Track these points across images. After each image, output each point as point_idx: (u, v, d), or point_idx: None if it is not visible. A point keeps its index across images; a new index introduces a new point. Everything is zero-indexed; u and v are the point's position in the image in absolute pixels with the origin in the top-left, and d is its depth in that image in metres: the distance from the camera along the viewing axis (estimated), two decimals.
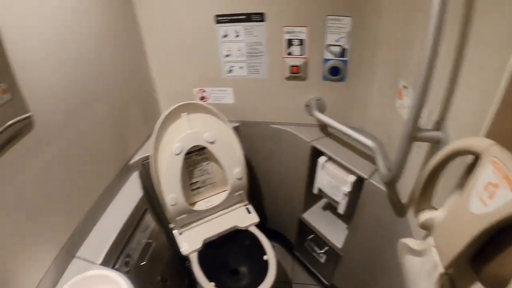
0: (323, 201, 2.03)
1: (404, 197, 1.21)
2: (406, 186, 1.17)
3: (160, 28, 1.60)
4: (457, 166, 0.77)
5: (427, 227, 0.81)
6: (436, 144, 0.94)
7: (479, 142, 0.61)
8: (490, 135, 0.65)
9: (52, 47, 1.09)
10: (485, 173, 0.58)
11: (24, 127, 0.99)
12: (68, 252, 1.20)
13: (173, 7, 1.54)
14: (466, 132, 0.79)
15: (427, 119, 1.01)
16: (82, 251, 1.24)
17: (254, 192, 2.14)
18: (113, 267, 1.26)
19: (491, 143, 0.59)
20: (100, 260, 1.21)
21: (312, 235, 1.95)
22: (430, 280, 0.71)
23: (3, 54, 0.90)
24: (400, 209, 1.25)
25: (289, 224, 2.14)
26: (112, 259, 1.27)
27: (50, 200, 1.10)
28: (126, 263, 1.34)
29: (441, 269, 0.67)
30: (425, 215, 0.82)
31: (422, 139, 0.95)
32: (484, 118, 0.67)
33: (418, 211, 0.85)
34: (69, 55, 1.17)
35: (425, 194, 0.82)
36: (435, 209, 0.82)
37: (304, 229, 2.00)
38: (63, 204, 1.17)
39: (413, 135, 0.92)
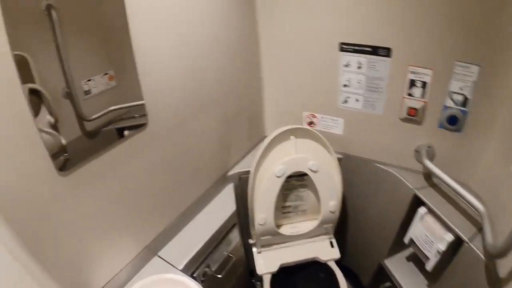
0: (408, 251, 1.90)
1: (503, 273, 1.11)
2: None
3: (280, 44, 1.59)
4: None
5: None
6: None
7: None
8: None
9: (174, 48, 1.13)
10: None
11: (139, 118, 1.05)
12: (151, 250, 1.23)
13: (298, 26, 1.53)
14: None
15: None
16: (164, 252, 1.28)
17: (341, 227, 2.06)
18: (191, 275, 1.29)
19: None
20: (181, 266, 1.24)
21: (389, 284, 1.83)
22: None
23: (128, 43, 0.97)
24: (495, 285, 1.15)
25: (367, 265, 2.05)
26: (192, 267, 1.30)
27: (147, 197, 1.15)
28: (204, 273, 1.36)
29: None
30: None
31: None
32: None
33: None
34: (190, 58, 1.21)
35: None
36: None
37: (382, 275, 1.88)
38: (159, 203, 1.21)
39: None
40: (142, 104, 1.06)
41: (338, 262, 1.73)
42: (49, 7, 0.79)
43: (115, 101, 1.00)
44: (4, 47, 0.71)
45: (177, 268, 1.22)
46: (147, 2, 1.02)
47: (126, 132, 1.04)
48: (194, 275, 1.30)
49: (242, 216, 1.68)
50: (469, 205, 1.33)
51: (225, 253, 1.49)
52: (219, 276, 1.44)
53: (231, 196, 1.56)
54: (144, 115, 1.07)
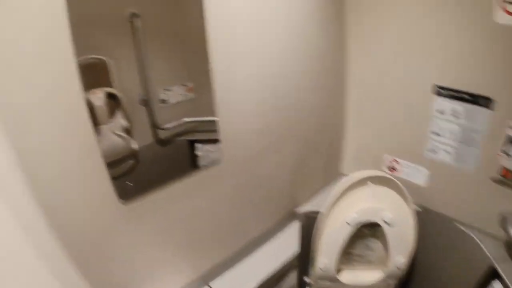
0: None
1: None
2: None
3: (369, 79, 1.51)
4: None
5: None
6: None
7: None
8: None
9: (259, 79, 1.13)
10: None
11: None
12: (204, 279, 1.23)
13: (391, 63, 1.44)
14: None
15: None
16: (216, 283, 1.26)
17: (404, 279, 1.92)
18: None
19: None
20: None
21: None
22: None
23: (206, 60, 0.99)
24: None
25: None
26: None
27: (209, 228, 1.15)
28: None
29: None
30: None
31: None
32: None
33: None
34: (273, 90, 1.19)
35: None
36: None
37: None
38: (220, 235, 1.21)
39: None
40: (217, 120, 1.08)
41: None
42: (133, 15, 0.82)
43: (191, 113, 1.02)
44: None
45: None
46: (231, 27, 1.02)
47: (197, 145, 1.05)
48: None
49: (303, 256, 1.58)
50: None
51: None
52: None
53: (296, 234, 1.47)
54: (216, 131, 1.08)
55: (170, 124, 0.97)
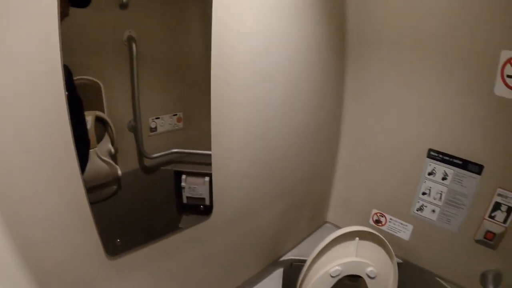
0: None
1: None
2: None
3: (361, 137, 1.54)
4: None
5: None
6: None
7: None
8: None
9: (255, 136, 1.13)
10: None
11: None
12: None
13: (386, 122, 1.47)
14: None
15: None
16: None
17: None
18: None
19: None
20: None
21: None
22: None
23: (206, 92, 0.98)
24: None
25: None
26: None
27: (194, 282, 1.12)
28: None
29: None
30: None
31: None
32: None
33: None
34: (271, 147, 1.20)
35: None
36: None
37: None
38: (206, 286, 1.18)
39: None
40: (209, 154, 1.06)
41: None
42: (130, 39, 0.81)
43: (179, 144, 1.01)
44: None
45: None
46: (234, 66, 1.01)
47: (183, 176, 1.05)
48: None
49: None
50: None
51: None
52: None
53: (279, 282, 1.47)
54: (203, 164, 1.07)
55: (157, 154, 0.97)
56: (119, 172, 0.89)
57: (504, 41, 1.20)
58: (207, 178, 1.07)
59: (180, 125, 0.98)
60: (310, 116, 1.33)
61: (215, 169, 1.04)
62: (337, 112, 1.51)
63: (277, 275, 1.49)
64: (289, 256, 1.53)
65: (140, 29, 0.81)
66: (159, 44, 0.88)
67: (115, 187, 0.90)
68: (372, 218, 1.66)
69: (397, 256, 1.60)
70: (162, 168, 1.00)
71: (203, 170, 1.07)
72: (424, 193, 1.48)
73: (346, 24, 1.43)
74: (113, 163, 0.87)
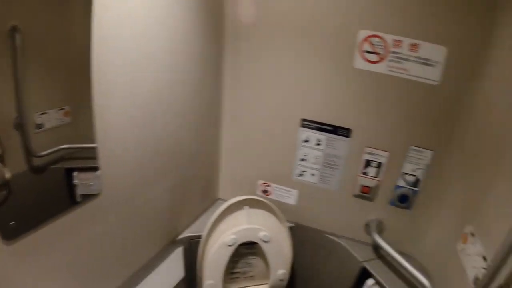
0: None
1: None
2: None
3: (241, 114, 1.64)
4: None
5: None
6: None
7: None
8: None
9: (138, 119, 1.13)
10: None
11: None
12: None
13: (263, 97, 1.58)
14: None
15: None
16: None
17: None
18: None
19: None
20: None
21: None
22: None
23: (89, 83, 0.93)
24: None
25: None
26: None
27: (94, 264, 1.11)
28: None
29: None
30: None
31: None
32: None
33: None
34: (154, 129, 1.21)
35: None
36: None
37: None
38: (104, 270, 1.17)
39: None
40: (95, 147, 1.01)
41: None
42: (14, 29, 0.74)
43: (68, 139, 0.95)
44: None
45: None
46: (115, 52, 1.00)
47: (75, 173, 0.99)
48: None
49: (189, 280, 1.66)
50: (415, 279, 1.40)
51: None
52: None
53: (181, 260, 1.54)
54: (94, 159, 1.03)
55: (46, 151, 0.90)
56: (7, 174, 0.82)
57: (362, 23, 1.37)
58: (99, 172, 1.05)
59: (68, 119, 0.92)
60: (190, 97, 1.39)
61: (102, 158, 1.03)
62: (217, 92, 1.59)
63: (178, 253, 1.54)
64: (186, 234, 1.59)
65: (24, 19, 0.75)
66: (45, 34, 0.83)
67: (4, 191, 0.83)
68: (260, 189, 1.78)
69: (288, 220, 1.74)
70: (53, 167, 0.94)
71: (94, 164, 1.04)
72: (302, 159, 1.63)
73: (223, 7, 1.51)
74: (0, 165, 0.81)
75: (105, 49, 0.95)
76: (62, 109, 0.91)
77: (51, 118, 0.89)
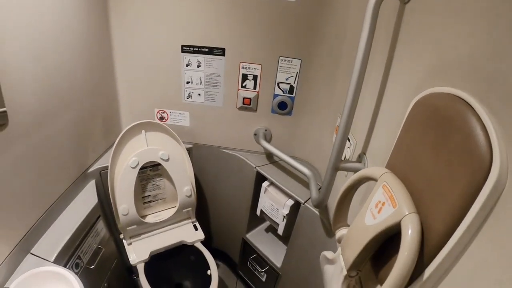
0: (266, 224, 2.15)
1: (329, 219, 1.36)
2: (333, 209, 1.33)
3: (131, 49, 1.70)
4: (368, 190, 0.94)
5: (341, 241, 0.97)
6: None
7: (376, 171, 0.78)
8: (388, 165, 0.82)
9: (32, 54, 1.16)
10: (377, 194, 0.74)
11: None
12: (23, 248, 1.23)
13: (147, 29, 1.65)
14: (378, 164, 0.96)
15: (353, 152, 1.19)
16: (37, 249, 1.28)
17: (202, 211, 2.25)
18: (64, 266, 1.30)
19: (384, 171, 0.75)
20: (52, 258, 1.25)
21: (255, 255, 2.06)
22: (338, 282, 0.87)
23: None
24: (329, 230, 1.40)
25: (234, 244, 2.25)
26: (64, 258, 1.32)
27: (10, 196, 1.14)
28: (77, 265, 1.40)
29: (344, 272, 0.82)
30: (341, 232, 0.98)
31: (345, 169, 1.11)
32: (388, 153, 0.84)
33: (335, 229, 1.00)
34: (48, 64, 1.25)
35: (339, 214, 0.97)
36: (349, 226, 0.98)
37: (247, 249, 2.11)
38: (23, 202, 1.20)
39: (337, 165, 1.09)
40: None
41: (207, 245, 1.89)
42: None
43: None
44: None
45: (49, 261, 1.23)
46: None
47: None
48: (67, 266, 1.33)
49: (107, 211, 1.76)
50: (302, 174, 1.57)
51: (95, 245, 1.55)
52: (92, 267, 1.49)
53: (93, 190, 1.63)
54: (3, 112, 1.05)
55: None
56: None
57: None
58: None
59: None
60: (80, 32, 1.43)
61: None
62: (104, 28, 1.63)
63: (91, 185, 1.64)
64: (95, 166, 1.68)
65: None
66: None
67: None
68: (157, 117, 1.90)
69: (187, 141, 1.90)
70: None
71: None
72: (188, 82, 1.77)
73: None
74: None
75: None
76: None
77: None
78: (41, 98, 1.24)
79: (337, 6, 1.45)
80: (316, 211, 1.51)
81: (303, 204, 1.57)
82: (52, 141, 1.35)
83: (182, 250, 1.88)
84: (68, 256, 1.36)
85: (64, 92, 1.38)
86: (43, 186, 1.32)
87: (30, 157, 1.22)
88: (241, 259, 2.27)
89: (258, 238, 2.07)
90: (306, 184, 1.69)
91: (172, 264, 1.92)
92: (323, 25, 1.52)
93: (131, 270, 1.72)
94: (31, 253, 1.27)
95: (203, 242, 1.89)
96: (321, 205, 1.29)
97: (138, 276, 1.69)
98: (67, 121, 1.43)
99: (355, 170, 1.10)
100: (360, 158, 1.12)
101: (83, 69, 1.50)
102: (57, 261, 1.27)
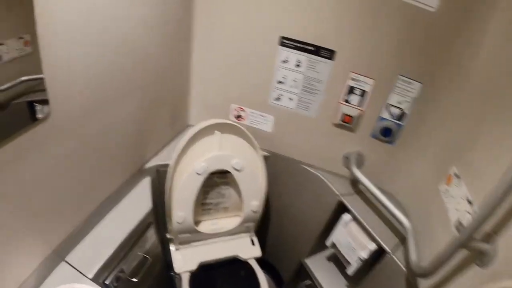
0: (329, 251, 1.94)
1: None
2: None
3: (214, 29, 1.50)
4: None
5: None
6: (479, 255, 0.89)
7: None
8: None
9: (91, 25, 0.97)
10: None
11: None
12: (59, 254, 1.11)
13: (237, 13, 1.44)
14: None
15: (476, 224, 0.93)
16: (73, 257, 1.14)
17: (263, 222, 2.05)
18: (103, 282, 1.18)
19: None
20: (91, 275, 1.11)
21: (310, 282, 1.87)
22: None
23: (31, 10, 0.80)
24: None
25: (288, 263, 2.09)
26: (104, 274, 1.18)
27: (53, 196, 1.01)
28: (117, 278, 1.24)
29: None
30: None
31: (470, 249, 0.93)
32: None
33: None
34: (112, 37, 1.05)
35: None
36: None
37: (302, 273, 1.94)
38: (66, 202, 1.08)
39: (465, 243, 0.90)
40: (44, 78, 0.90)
41: (259, 257, 1.74)
42: None
43: (30, 71, 0.86)
44: None
45: (86, 277, 1.10)
46: None
47: (38, 107, 0.89)
48: (106, 282, 1.19)
49: (159, 212, 1.60)
50: (394, 217, 1.39)
51: (140, 253, 1.38)
52: (135, 280, 1.33)
53: (148, 190, 1.45)
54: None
55: (5, 85, 0.81)
56: None
57: None
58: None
59: (29, 49, 0.83)
60: (158, 15, 1.24)
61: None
62: (187, 11, 1.43)
63: (145, 183, 1.46)
64: (153, 163, 1.51)
65: None
66: None
67: None
68: (233, 114, 1.68)
69: (263, 149, 1.67)
70: (15, 102, 0.85)
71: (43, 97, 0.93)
72: (280, 82, 1.51)
73: None
74: None
75: None
76: (21, 37, 0.80)
77: (10, 49, 0.78)
78: (98, 79, 1.05)
79: (496, 27, 1.14)
80: (403, 268, 1.30)
81: (390, 255, 1.36)
82: (107, 132, 1.17)
83: (232, 264, 1.71)
84: (109, 271, 1.21)
85: (130, 73, 1.19)
86: (89, 184, 1.17)
87: (78, 152, 1.06)
88: (291, 281, 2.12)
89: (318, 265, 1.88)
90: (395, 231, 1.47)
91: (220, 277, 1.73)
92: (463, 48, 1.23)
93: (170, 266, 1.62)
94: (66, 261, 1.13)
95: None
96: (425, 276, 1.11)
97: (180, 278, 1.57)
98: (128, 107, 1.25)
99: (481, 252, 0.88)
100: (488, 238, 0.88)
101: (155, 47, 1.29)
102: (95, 278, 1.12)
